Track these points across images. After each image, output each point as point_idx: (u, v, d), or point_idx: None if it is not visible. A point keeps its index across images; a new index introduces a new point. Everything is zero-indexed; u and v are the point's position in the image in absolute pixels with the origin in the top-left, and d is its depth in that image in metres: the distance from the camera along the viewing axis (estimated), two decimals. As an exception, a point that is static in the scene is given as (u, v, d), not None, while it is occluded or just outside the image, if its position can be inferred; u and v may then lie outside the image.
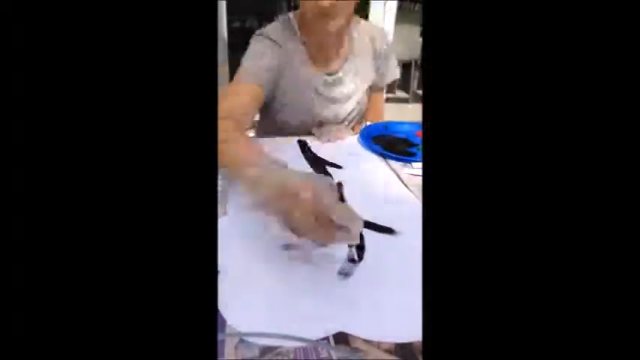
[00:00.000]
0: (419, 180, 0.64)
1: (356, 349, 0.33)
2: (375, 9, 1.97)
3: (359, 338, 0.34)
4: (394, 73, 0.91)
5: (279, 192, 0.39)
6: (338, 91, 0.83)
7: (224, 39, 1.61)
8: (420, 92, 2.95)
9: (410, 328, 0.34)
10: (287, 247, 0.44)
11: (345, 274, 0.41)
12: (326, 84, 0.81)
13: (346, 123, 0.88)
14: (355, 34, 0.84)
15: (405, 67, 3.16)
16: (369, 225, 0.51)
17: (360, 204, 0.55)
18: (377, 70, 0.88)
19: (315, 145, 0.77)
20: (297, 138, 0.79)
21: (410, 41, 2.66)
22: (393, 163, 0.71)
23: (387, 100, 2.18)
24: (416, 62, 2.95)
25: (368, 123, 0.87)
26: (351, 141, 0.81)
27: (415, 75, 3.06)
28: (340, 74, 0.82)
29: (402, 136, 0.81)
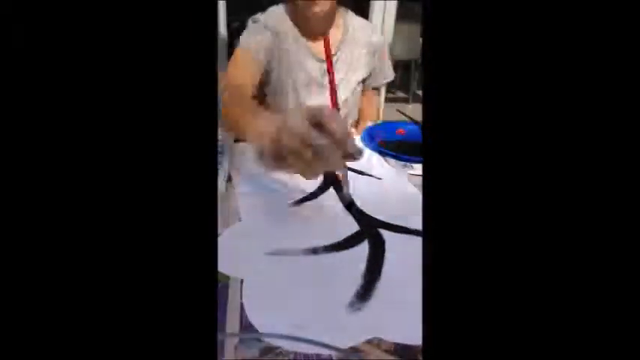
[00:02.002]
0: (419, 180, 0.64)
1: (356, 349, 0.33)
2: (375, 9, 1.97)
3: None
4: (388, 74, 0.92)
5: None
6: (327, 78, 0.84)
7: (224, 39, 1.61)
8: (420, 92, 2.95)
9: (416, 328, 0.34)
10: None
11: (354, 304, 0.38)
12: (316, 69, 0.83)
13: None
14: (347, 24, 0.85)
15: (405, 67, 3.16)
16: (381, 225, 0.51)
17: (362, 202, 0.56)
18: (371, 66, 0.89)
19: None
20: None
21: (410, 41, 2.66)
22: (393, 162, 0.71)
23: (387, 100, 2.18)
24: (416, 62, 2.95)
25: (368, 123, 0.87)
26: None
27: (415, 75, 3.06)
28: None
29: (410, 139, 0.80)
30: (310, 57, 0.82)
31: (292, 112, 0.38)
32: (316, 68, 0.83)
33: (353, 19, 0.87)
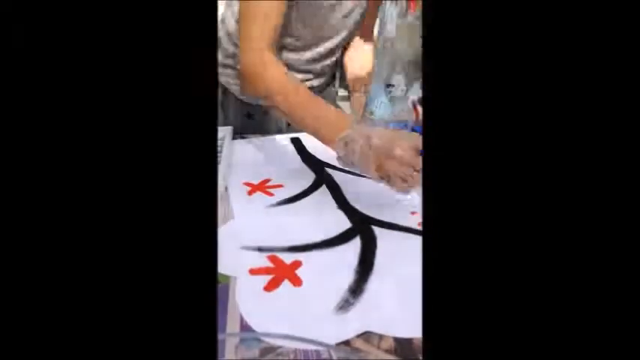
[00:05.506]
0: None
1: (356, 349, 0.33)
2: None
3: (359, 338, 0.34)
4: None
5: (377, 153, 0.47)
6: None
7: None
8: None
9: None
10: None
11: (343, 306, 0.38)
12: None
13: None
14: None
15: (405, 67, 3.15)
16: (372, 221, 0.51)
17: (361, 203, 0.56)
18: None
19: (311, 144, 0.74)
20: (290, 136, 0.78)
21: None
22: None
23: (387, 100, 2.18)
24: (416, 62, 2.94)
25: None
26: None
27: (415, 75, 3.05)
28: None
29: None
30: None
31: (397, 140, 0.47)
32: None
33: None
